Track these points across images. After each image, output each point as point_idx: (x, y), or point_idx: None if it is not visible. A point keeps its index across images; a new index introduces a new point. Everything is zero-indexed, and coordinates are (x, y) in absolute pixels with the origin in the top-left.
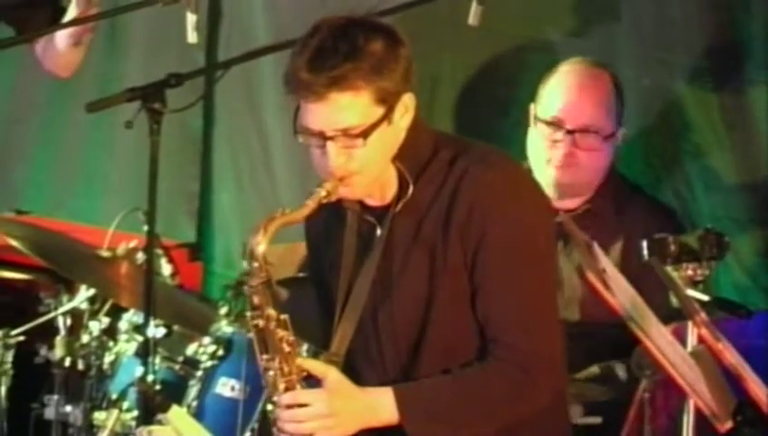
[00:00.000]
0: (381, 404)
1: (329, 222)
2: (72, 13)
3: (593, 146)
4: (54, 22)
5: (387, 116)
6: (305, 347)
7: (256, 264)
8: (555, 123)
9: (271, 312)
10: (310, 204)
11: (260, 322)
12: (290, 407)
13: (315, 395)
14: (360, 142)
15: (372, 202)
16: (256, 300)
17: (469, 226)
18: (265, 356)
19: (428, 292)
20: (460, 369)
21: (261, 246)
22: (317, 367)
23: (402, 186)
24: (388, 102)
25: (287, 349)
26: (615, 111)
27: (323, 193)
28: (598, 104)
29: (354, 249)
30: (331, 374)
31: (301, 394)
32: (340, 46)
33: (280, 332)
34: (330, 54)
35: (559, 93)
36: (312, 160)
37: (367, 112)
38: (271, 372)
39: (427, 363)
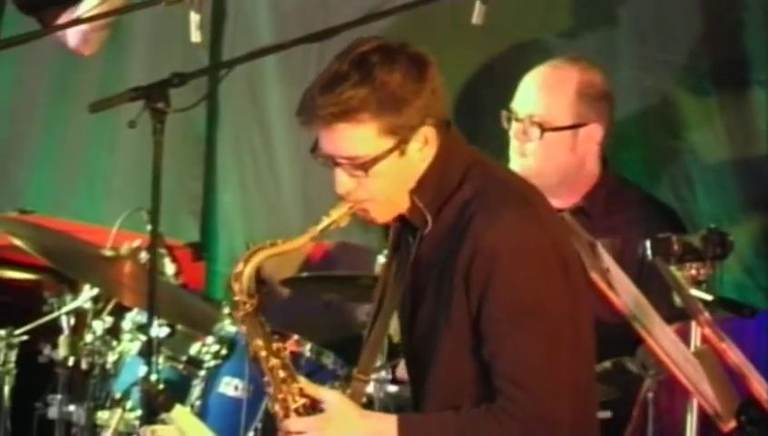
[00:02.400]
0: (382, 431)
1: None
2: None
3: (535, 136)
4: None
5: (397, 148)
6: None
7: (237, 298)
8: (512, 115)
9: (259, 342)
10: (310, 233)
11: (251, 351)
12: (287, 433)
13: (309, 423)
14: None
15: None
16: (243, 329)
17: (470, 276)
18: (265, 378)
19: (435, 322)
20: (467, 409)
21: (241, 280)
22: (317, 392)
23: (424, 217)
24: (399, 134)
25: (281, 375)
26: (577, 106)
27: (326, 223)
28: (549, 95)
29: (388, 264)
30: (330, 399)
31: (296, 422)
32: (353, 74)
33: (273, 360)
34: (341, 81)
35: (521, 86)
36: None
37: (373, 143)
38: (270, 397)
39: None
